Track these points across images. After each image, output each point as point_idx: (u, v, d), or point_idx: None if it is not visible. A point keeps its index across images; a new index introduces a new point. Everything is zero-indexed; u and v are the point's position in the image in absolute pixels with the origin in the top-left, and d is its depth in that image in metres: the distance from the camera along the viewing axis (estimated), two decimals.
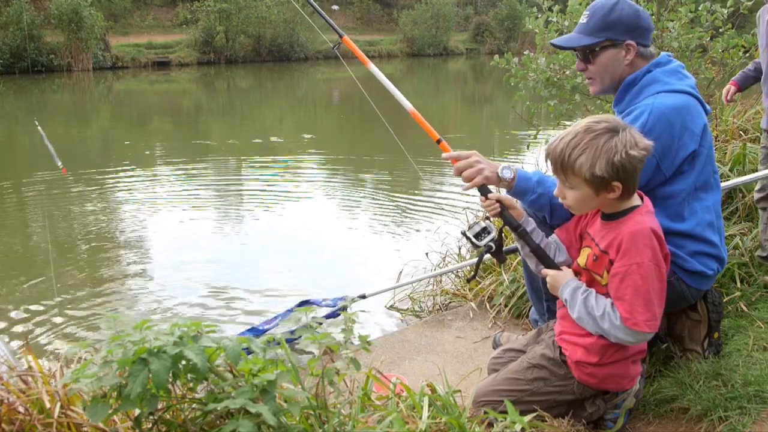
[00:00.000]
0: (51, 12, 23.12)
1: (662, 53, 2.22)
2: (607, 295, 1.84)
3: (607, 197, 1.80)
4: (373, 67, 2.50)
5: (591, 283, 1.91)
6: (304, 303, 3.55)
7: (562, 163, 1.80)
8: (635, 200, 1.86)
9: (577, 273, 1.97)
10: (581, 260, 1.95)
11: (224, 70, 26.36)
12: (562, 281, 1.94)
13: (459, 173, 2.17)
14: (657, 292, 1.77)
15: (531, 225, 2.08)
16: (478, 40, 36.24)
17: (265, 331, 3.42)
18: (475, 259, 3.63)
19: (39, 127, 6.83)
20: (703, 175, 2.11)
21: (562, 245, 2.07)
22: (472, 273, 2.25)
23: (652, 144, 1.78)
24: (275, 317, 3.51)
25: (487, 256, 2.16)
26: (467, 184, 2.16)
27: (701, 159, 2.08)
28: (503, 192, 2.19)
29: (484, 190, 2.15)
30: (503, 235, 2.18)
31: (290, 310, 3.52)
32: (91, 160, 9.32)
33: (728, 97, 3.60)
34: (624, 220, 1.83)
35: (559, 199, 1.91)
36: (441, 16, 34.68)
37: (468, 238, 2.13)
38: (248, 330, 3.41)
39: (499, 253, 2.12)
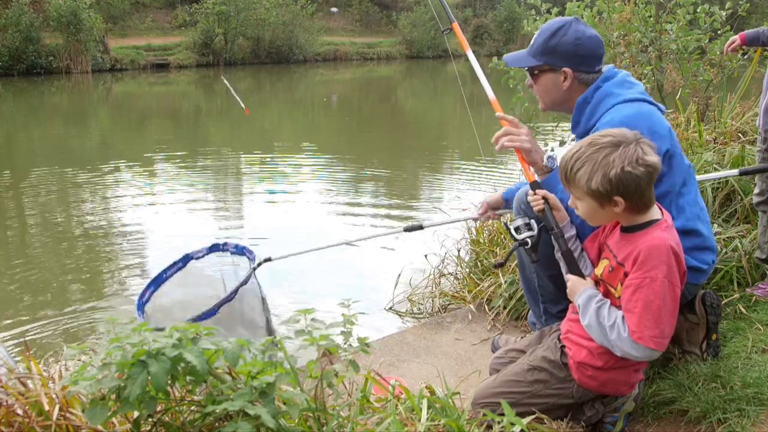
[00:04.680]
0: (50, 14, 23.08)
1: (608, 67, 2.26)
2: (620, 308, 1.83)
3: (612, 211, 1.79)
4: (470, 54, 2.69)
5: (606, 294, 1.90)
6: (187, 258, 3.21)
7: (566, 175, 1.82)
8: (654, 214, 1.84)
9: (595, 284, 1.97)
10: (598, 271, 1.95)
11: (223, 72, 26.37)
12: (581, 287, 1.94)
13: (503, 135, 2.24)
14: (668, 311, 1.75)
15: (570, 232, 2.08)
16: (477, 42, 36.23)
17: (165, 276, 3.10)
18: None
19: (225, 80, 7.66)
20: (682, 172, 2.13)
21: (587, 258, 2.08)
22: (503, 259, 2.26)
23: (658, 160, 1.77)
24: (150, 285, 3.07)
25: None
26: (502, 142, 2.23)
27: (677, 158, 2.11)
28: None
29: (534, 185, 2.19)
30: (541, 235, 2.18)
31: (168, 270, 3.14)
32: (90, 160, 9.32)
33: (730, 48, 3.57)
34: (643, 233, 1.81)
35: (575, 211, 1.92)
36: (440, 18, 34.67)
37: (508, 229, 2.18)
38: (150, 285, 3.05)
39: (535, 251, 2.13)
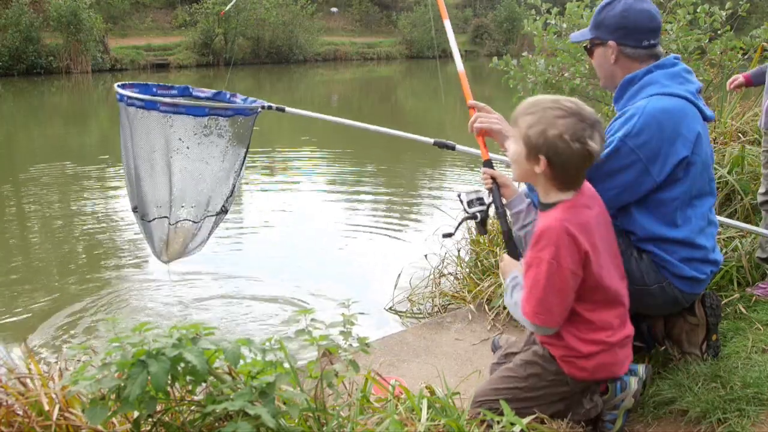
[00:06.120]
0: (50, 14, 23.06)
1: (671, 55, 2.20)
2: None
3: (533, 168, 1.80)
4: (447, 24, 2.84)
5: None
6: (186, 89, 3.05)
7: (516, 113, 1.85)
8: (569, 196, 1.83)
9: None
10: None
11: (223, 72, 26.34)
12: (510, 269, 2.00)
13: (474, 121, 2.31)
14: (555, 291, 1.77)
15: (518, 207, 2.08)
16: (477, 42, 36.20)
17: (155, 93, 2.93)
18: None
19: None
20: (698, 184, 2.09)
21: None
22: (452, 231, 2.27)
23: (599, 151, 1.77)
24: (136, 86, 2.93)
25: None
26: (475, 126, 2.30)
27: (696, 167, 2.06)
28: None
29: (486, 164, 2.25)
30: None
31: (160, 88, 2.99)
32: (90, 159, 9.32)
33: (733, 85, 3.57)
34: (547, 213, 1.83)
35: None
36: (440, 18, 34.65)
37: (461, 201, 2.22)
38: (137, 86, 2.93)
39: (483, 225, 2.18)
